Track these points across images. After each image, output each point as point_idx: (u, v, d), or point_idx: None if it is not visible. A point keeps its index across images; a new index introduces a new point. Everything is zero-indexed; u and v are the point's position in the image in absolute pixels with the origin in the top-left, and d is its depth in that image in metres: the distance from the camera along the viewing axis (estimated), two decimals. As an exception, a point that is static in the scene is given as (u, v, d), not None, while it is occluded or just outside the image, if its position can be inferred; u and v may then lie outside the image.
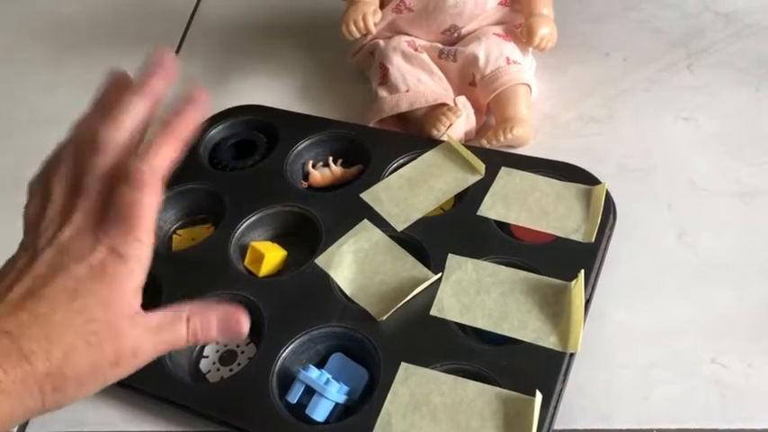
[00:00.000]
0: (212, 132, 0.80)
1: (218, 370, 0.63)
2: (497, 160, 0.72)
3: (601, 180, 0.69)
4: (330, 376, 0.58)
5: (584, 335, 0.58)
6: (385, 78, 0.78)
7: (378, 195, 0.71)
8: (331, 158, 0.77)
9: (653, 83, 0.83)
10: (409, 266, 0.65)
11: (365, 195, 0.71)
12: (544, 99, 0.81)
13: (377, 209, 0.70)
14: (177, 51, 0.97)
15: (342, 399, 0.58)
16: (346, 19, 0.78)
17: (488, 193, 0.69)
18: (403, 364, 0.58)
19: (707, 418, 0.56)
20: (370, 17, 0.78)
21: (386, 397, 0.56)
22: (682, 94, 0.81)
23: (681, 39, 0.87)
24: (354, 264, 0.66)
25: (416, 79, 0.77)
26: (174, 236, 0.74)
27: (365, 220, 0.69)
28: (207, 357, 0.64)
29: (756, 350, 0.59)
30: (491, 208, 0.68)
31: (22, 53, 1.01)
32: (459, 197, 0.71)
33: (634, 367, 0.59)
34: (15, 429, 0.61)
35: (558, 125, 0.79)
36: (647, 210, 0.70)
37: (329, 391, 0.57)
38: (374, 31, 0.79)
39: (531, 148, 0.76)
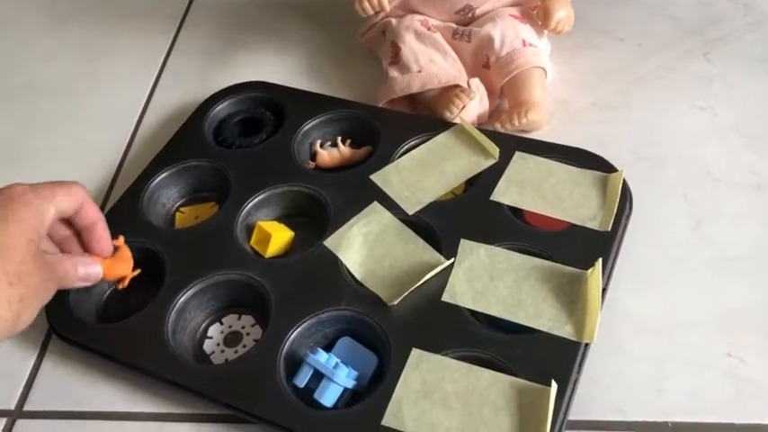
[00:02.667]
0: (217, 108, 0.78)
1: (223, 351, 0.62)
2: (511, 145, 0.70)
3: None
4: (339, 360, 0.57)
5: (599, 325, 0.57)
6: (396, 58, 0.76)
7: (388, 177, 0.69)
8: (339, 138, 0.75)
9: (668, 70, 0.81)
10: (420, 251, 0.63)
11: (375, 177, 0.69)
12: (558, 83, 0.80)
13: (387, 191, 0.68)
14: (181, 23, 0.94)
15: (351, 384, 0.56)
16: (359, -5, 0.76)
17: (502, 178, 0.68)
18: (415, 350, 0.56)
19: (722, 412, 0.55)
20: (384, -6, 0.76)
21: (396, 383, 0.55)
22: (698, 82, 0.79)
23: (697, 26, 0.85)
24: (364, 246, 0.64)
25: (429, 59, 0.75)
26: (178, 213, 0.72)
27: (375, 203, 0.67)
28: (211, 338, 0.63)
29: (773, 344, 0.58)
30: (505, 193, 0.67)
31: (23, 21, 0.99)
32: (471, 182, 0.69)
33: (648, 359, 0.58)
34: (13, 406, 0.60)
35: (571, 111, 0.78)
36: (662, 199, 0.69)
37: (338, 375, 0.55)
38: (388, 8, 0.77)
39: (545, 133, 0.74)
